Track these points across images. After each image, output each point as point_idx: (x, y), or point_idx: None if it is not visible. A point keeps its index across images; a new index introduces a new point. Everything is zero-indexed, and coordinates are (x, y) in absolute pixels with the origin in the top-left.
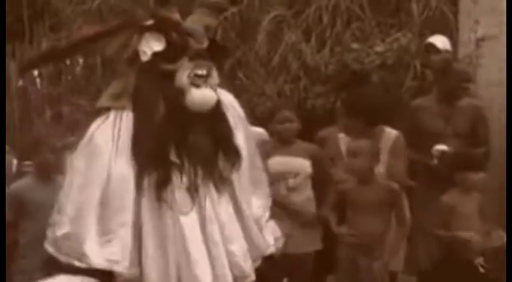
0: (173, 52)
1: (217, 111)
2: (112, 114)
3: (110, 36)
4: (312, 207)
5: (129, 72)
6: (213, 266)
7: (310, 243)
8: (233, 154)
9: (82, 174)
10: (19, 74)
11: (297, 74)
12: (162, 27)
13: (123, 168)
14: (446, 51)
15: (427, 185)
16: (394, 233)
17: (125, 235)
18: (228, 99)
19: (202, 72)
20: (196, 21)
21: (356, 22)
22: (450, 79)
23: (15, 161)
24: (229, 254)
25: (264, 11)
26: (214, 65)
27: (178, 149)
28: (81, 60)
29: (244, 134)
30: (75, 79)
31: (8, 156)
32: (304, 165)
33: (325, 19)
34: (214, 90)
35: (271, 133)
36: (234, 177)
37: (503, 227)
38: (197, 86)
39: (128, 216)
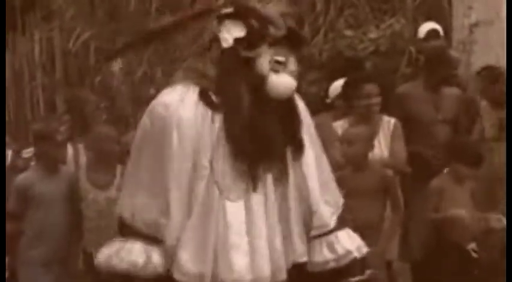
0: (253, 39)
1: (291, 100)
2: (182, 89)
3: (189, 23)
4: None
5: (206, 56)
6: (252, 257)
7: None
8: (297, 146)
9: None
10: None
11: None
12: (241, 15)
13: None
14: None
15: (420, 173)
16: (389, 220)
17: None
18: (301, 104)
19: (282, 58)
20: (274, 9)
21: (349, 9)
22: (445, 66)
23: (10, 152)
24: (272, 248)
25: None
26: (292, 53)
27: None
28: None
29: (310, 139)
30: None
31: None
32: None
33: (319, 6)
34: (293, 77)
35: None
36: (291, 174)
37: (498, 212)
38: (277, 72)
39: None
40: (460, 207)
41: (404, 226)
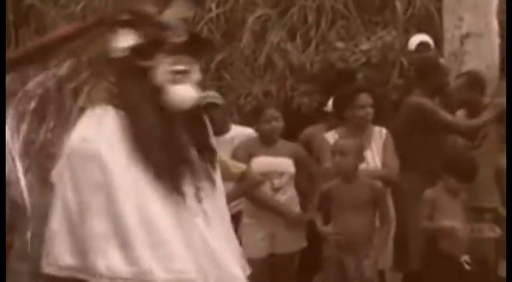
0: (149, 47)
1: (195, 109)
2: (98, 111)
3: (88, 34)
4: (295, 206)
5: (107, 70)
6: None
7: (295, 242)
8: (210, 153)
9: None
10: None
11: (282, 74)
12: (135, 22)
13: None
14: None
15: (415, 183)
16: (379, 231)
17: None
18: None
19: (181, 67)
20: (173, 15)
21: (341, 21)
22: (437, 75)
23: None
24: (230, 250)
25: (248, 10)
26: (195, 60)
27: (168, 150)
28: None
29: None
30: None
31: None
32: (288, 164)
33: (310, 18)
34: (195, 87)
35: (257, 132)
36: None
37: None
38: (176, 82)
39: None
40: (452, 219)
41: (398, 236)
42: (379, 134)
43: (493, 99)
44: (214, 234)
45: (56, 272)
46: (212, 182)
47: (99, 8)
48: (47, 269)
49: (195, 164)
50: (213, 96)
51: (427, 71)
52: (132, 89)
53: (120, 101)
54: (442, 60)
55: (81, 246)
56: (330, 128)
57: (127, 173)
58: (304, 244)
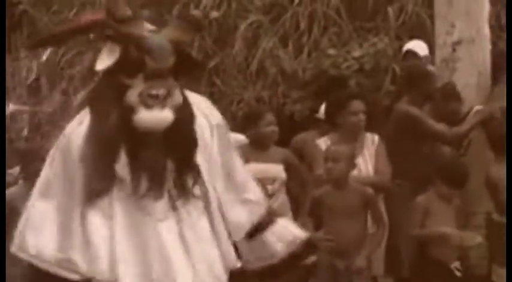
0: (129, 67)
1: (175, 129)
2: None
3: (81, 31)
4: (287, 212)
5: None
6: (195, 274)
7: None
8: (192, 172)
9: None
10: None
11: (274, 80)
12: (120, 39)
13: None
14: (426, 57)
15: (407, 189)
16: (372, 235)
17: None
18: (203, 106)
19: (158, 92)
20: (166, 36)
21: (333, 27)
22: (424, 82)
23: None
24: (210, 260)
25: (241, 17)
26: (177, 83)
27: (131, 162)
28: None
29: (219, 144)
30: None
31: None
32: (280, 170)
33: (302, 25)
34: (175, 110)
35: (251, 137)
36: (210, 189)
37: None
38: (149, 106)
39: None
40: (444, 225)
41: (389, 243)
42: (372, 140)
43: (477, 107)
44: (180, 244)
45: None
46: (187, 195)
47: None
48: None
49: (166, 176)
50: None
51: (414, 78)
52: (106, 99)
53: (93, 105)
54: (430, 68)
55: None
56: (322, 134)
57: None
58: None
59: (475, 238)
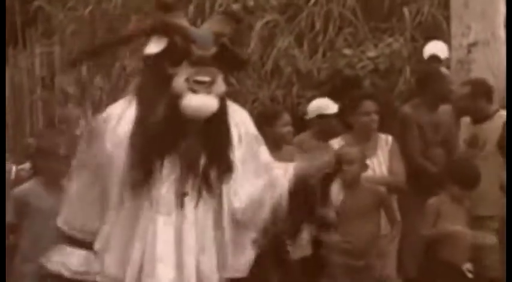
0: (175, 56)
1: (217, 120)
2: (126, 100)
3: (131, 39)
4: None
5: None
6: (180, 270)
7: (300, 250)
8: (224, 167)
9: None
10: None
11: (289, 80)
12: (166, 31)
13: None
14: (447, 59)
15: (420, 191)
16: (385, 236)
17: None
18: (240, 115)
19: (203, 78)
20: (207, 28)
21: (348, 27)
22: (439, 84)
23: (14, 168)
24: (199, 263)
25: (256, 16)
26: (220, 72)
27: (170, 152)
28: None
29: (246, 153)
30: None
31: (6, 164)
32: None
33: (318, 25)
34: (219, 98)
35: (267, 137)
36: (225, 190)
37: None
38: (195, 91)
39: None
40: (455, 226)
41: (401, 242)
42: (385, 141)
43: (502, 111)
44: (179, 238)
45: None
46: (208, 190)
47: (108, 10)
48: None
49: (194, 171)
50: None
51: (427, 80)
52: (153, 90)
53: (140, 95)
54: (443, 70)
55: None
56: (315, 136)
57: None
58: (308, 252)
59: (489, 238)
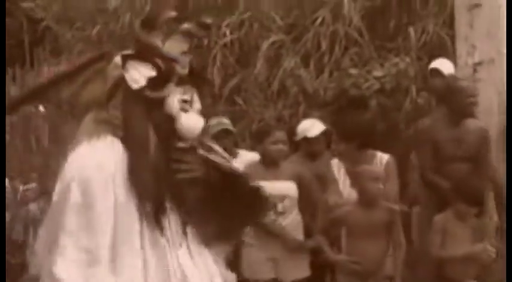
0: (161, 79)
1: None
2: (102, 142)
3: (80, 72)
4: (299, 230)
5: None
6: None
7: (299, 270)
8: None
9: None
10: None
11: (295, 100)
12: (145, 55)
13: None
14: (451, 75)
15: (431, 208)
16: (392, 256)
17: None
18: None
19: (187, 97)
20: (173, 48)
21: (354, 47)
22: (457, 97)
23: (21, 188)
24: None
25: (262, 36)
26: (195, 90)
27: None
28: None
29: None
30: None
31: (13, 183)
32: (291, 188)
33: (324, 45)
34: (200, 115)
35: (262, 154)
36: None
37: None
38: (186, 111)
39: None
40: (462, 243)
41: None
42: (380, 160)
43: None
44: (194, 270)
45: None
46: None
47: (115, 31)
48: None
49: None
50: (224, 123)
51: (446, 94)
52: (137, 120)
53: (124, 133)
54: (463, 83)
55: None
56: (306, 157)
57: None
58: (307, 273)
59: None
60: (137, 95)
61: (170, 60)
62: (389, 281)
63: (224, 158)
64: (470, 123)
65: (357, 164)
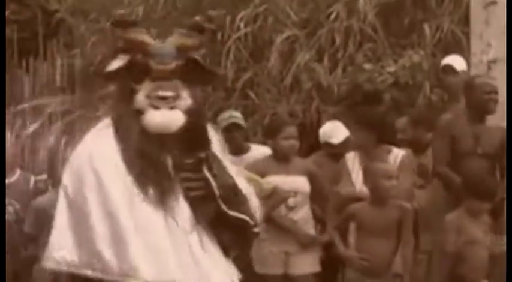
0: (136, 73)
1: (189, 132)
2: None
3: None
4: (310, 225)
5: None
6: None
7: (309, 265)
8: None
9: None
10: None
11: (309, 94)
12: (128, 48)
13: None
14: (464, 71)
15: (446, 203)
16: (401, 253)
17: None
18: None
19: (165, 94)
20: (170, 42)
21: (368, 43)
22: (475, 94)
23: (33, 178)
24: None
25: (276, 31)
26: (185, 85)
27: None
28: None
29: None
30: None
31: (25, 173)
32: (302, 183)
33: (338, 40)
34: (186, 112)
35: (273, 149)
36: None
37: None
38: (157, 108)
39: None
40: (475, 240)
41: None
42: (395, 157)
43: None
44: (206, 254)
45: (53, 266)
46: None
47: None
48: (45, 263)
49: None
50: (235, 116)
51: (463, 91)
52: (121, 107)
53: (113, 116)
54: (480, 79)
55: (79, 242)
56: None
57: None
58: (317, 269)
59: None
60: (123, 85)
61: (150, 55)
62: (398, 279)
63: (230, 175)
64: (492, 122)
65: (372, 159)
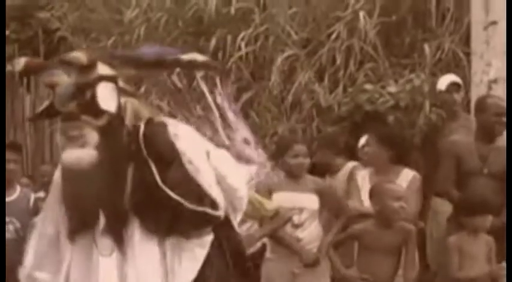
0: (52, 114)
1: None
2: None
3: None
4: (318, 243)
5: None
6: None
7: None
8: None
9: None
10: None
11: (309, 114)
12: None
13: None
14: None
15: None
16: (404, 277)
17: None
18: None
19: (72, 133)
20: (71, 81)
21: (369, 63)
22: (487, 115)
23: (33, 196)
24: None
25: (277, 50)
26: (88, 124)
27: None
28: None
29: None
30: None
31: (26, 190)
32: (310, 200)
33: (339, 59)
34: (96, 148)
35: (282, 167)
36: None
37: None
38: (71, 146)
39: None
40: (477, 262)
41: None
42: (406, 176)
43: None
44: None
45: None
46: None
47: (130, 42)
48: None
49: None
50: None
51: (477, 111)
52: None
53: None
54: (493, 99)
55: None
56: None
57: None
58: None
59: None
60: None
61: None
62: None
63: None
64: (500, 141)
65: (382, 177)
